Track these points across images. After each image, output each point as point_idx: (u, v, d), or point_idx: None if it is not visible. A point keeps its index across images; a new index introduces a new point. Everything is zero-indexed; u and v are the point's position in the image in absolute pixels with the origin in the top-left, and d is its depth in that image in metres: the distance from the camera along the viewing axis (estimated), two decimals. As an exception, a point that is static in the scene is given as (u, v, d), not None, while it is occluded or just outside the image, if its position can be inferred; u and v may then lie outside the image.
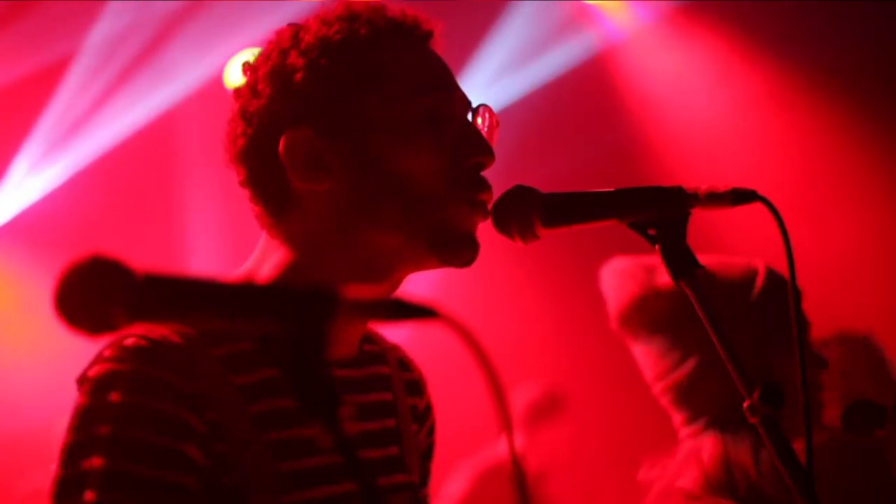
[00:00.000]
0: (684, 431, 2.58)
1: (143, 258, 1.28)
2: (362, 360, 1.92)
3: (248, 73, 1.86)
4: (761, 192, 1.77)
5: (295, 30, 1.84)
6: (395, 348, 2.06)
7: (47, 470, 1.66)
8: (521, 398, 6.40)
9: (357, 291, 1.28)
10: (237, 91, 1.86)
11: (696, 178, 1.85)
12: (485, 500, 5.84)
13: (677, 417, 2.60)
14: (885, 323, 6.54)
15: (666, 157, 6.95)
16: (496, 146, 1.87)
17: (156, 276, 1.22)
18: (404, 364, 2.05)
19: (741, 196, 1.77)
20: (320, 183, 1.79)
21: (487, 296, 7.24)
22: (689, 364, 2.55)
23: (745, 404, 1.71)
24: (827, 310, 6.38)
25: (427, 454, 2.07)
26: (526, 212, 1.80)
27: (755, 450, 2.45)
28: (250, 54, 1.91)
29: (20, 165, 6.32)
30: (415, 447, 1.99)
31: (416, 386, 2.06)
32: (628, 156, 6.96)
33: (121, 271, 1.20)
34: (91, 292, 1.18)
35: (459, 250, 1.80)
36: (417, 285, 1.83)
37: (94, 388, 1.63)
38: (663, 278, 2.57)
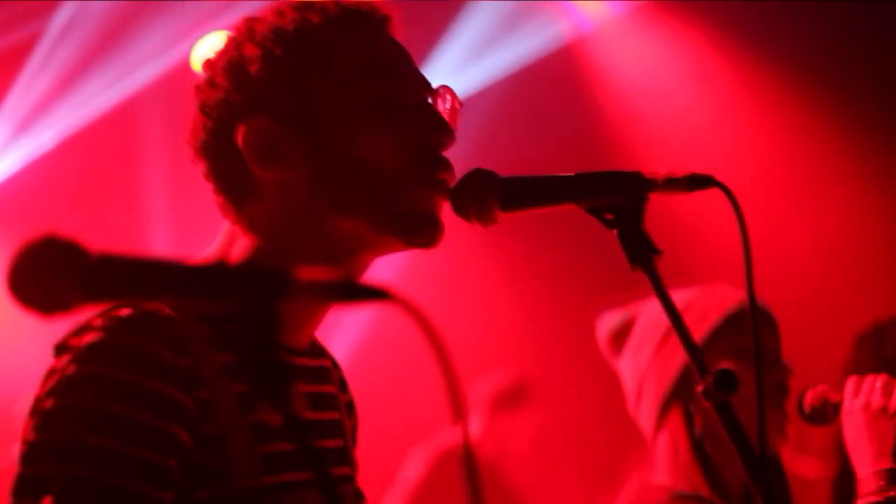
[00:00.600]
0: (648, 430, 2.64)
1: (104, 241, 1.28)
2: (314, 351, 1.93)
3: (207, 67, 1.87)
4: (734, 182, 1.79)
5: (250, 22, 1.85)
6: (324, 347, 2.06)
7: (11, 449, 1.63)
8: (488, 386, 6.42)
9: (312, 272, 1.28)
10: (197, 86, 1.87)
11: (662, 168, 1.85)
12: (440, 484, 5.86)
13: (641, 420, 2.66)
14: (864, 311, 6.60)
15: (635, 147, 6.97)
16: (462, 129, 1.88)
17: (109, 256, 1.22)
18: (335, 362, 2.06)
19: (698, 181, 1.78)
20: (279, 171, 1.80)
21: (456, 284, 7.24)
22: (641, 365, 2.66)
23: (699, 388, 1.72)
24: (807, 301, 6.46)
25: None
26: (484, 195, 1.80)
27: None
28: (217, 38, 1.92)
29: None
30: (352, 442, 2.01)
31: (345, 383, 2.07)
32: (597, 145, 6.98)
33: (74, 250, 1.20)
34: (44, 271, 1.19)
35: (422, 231, 1.81)
36: (386, 272, 1.83)
37: (85, 356, 1.60)
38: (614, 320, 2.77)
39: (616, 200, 1.78)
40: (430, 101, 1.87)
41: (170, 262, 1.28)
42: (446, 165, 1.83)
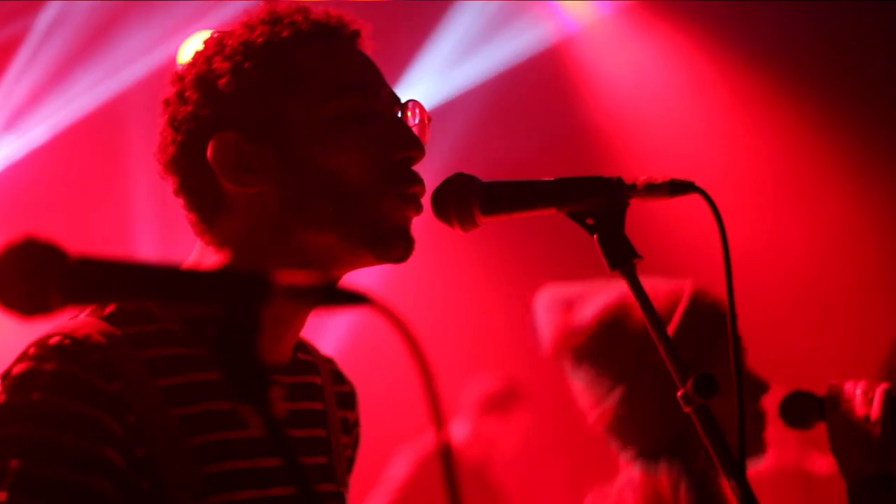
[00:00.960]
0: (621, 459, 2.59)
1: (88, 241, 1.28)
2: (295, 368, 1.92)
3: (177, 81, 1.86)
4: (722, 184, 1.79)
5: (220, 35, 1.85)
6: (329, 360, 2.06)
7: None
8: (475, 389, 6.43)
9: (291, 276, 1.28)
10: (166, 100, 1.87)
11: (648, 170, 1.86)
12: (426, 485, 5.87)
13: (612, 445, 2.61)
14: (849, 314, 6.63)
15: (622, 149, 6.97)
16: (447, 130, 1.88)
17: (88, 258, 1.22)
18: (338, 376, 2.06)
19: (678, 187, 1.79)
20: (250, 186, 1.80)
21: (443, 287, 7.25)
22: (616, 395, 2.55)
23: (679, 393, 1.73)
24: (803, 302, 6.47)
25: (349, 467, 2.07)
26: (465, 199, 1.81)
27: (675, 483, 2.46)
28: (202, 38, 1.91)
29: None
30: (344, 458, 1.99)
31: (348, 399, 2.06)
32: (583, 147, 6.99)
33: (53, 253, 1.21)
34: (23, 273, 1.19)
35: (392, 245, 1.80)
36: (373, 275, 1.82)
37: (14, 385, 1.64)
38: (581, 314, 2.60)
39: (597, 205, 1.79)
40: (399, 115, 1.87)
41: (149, 265, 1.28)
42: (416, 179, 1.82)
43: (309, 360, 1.98)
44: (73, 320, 1.71)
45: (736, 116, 7.01)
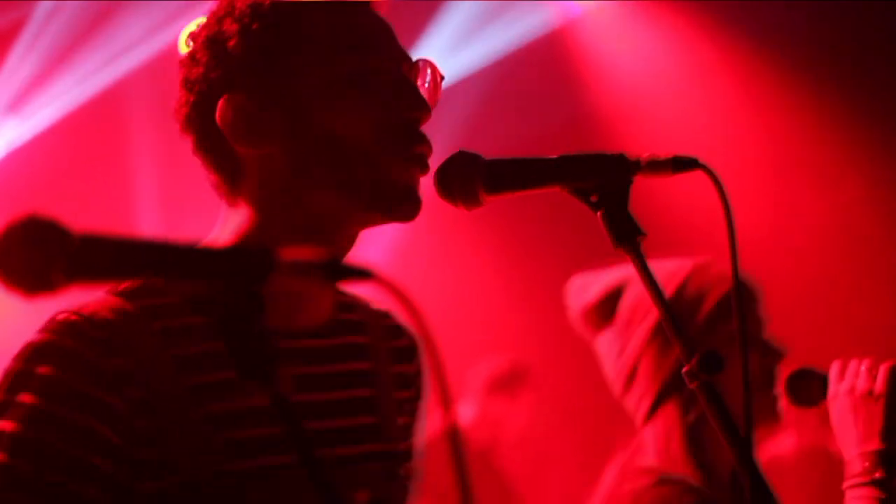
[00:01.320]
0: (639, 415, 2.61)
1: (91, 223, 1.29)
2: (333, 330, 1.91)
3: (190, 41, 1.87)
4: (729, 165, 1.78)
5: None
6: (383, 315, 2.04)
7: None
8: (482, 370, 6.42)
9: (296, 253, 1.28)
10: (181, 60, 1.87)
11: (652, 150, 1.85)
12: (433, 466, 5.87)
13: (631, 403, 2.63)
14: (858, 300, 6.61)
15: (625, 132, 6.96)
16: (450, 115, 1.88)
17: (92, 236, 1.23)
18: (394, 331, 2.04)
19: (682, 163, 1.78)
20: (259, 147, 1.80)
21: (449, 267, 7.25)
22: (634, 349, 2.60)
23: (685, 370, 1.73)
24: (820, 285, 6.45)
25: (415, 419, 2.06)
26: (469, 177, 1.80)
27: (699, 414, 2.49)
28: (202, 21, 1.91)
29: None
30: (396, 415, 1.98)
31: (406, 353, 2.05)
32: (585, 130, 6.97)
33: (57, 230, 1.21)
34: (27, 251, 1.19)
35: (399, 204, 1.81)
36: (380, 253, 1.82)
37: (26, 355, 1.69)
38: (591, 293, 2.69)
39: (600, 182, 1.79)
40: (409, 75, 1.87)
41: (154, 243, 1.28)
42: (422, 140, 1.83)
43: (353, 320, 1.97)
44: (88, 299, 1.74)
45: (740, 101, 6.98)
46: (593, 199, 1.79)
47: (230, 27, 1.81)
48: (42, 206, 1.29)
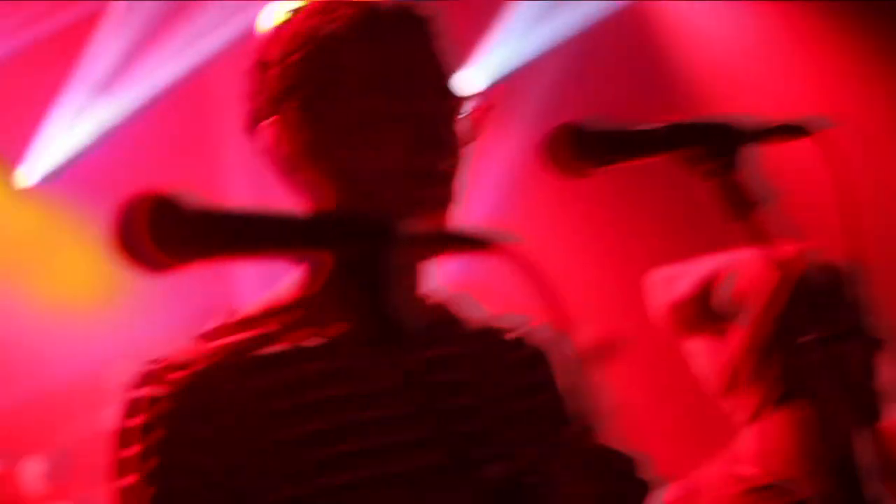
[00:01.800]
0: (741, 416, 2.50)
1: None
2: (429, 338, 1.83)
3: (253, 58, 1.91)
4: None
5: (282, 20, 1.88)
6: (491, 331, 1.98)
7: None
8: (572, 341, 6.37)
9: (410, 223, 1.27)
10: (244, 73, 1.91)
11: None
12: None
13: (731, 404, 2.52)
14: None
15: (713, 100, 6.84)
16: (534, 89, 1.85)
17: (210, 209, 1.23)
18: (510, 344, 2.00)
19: (790, 130, 1.75)
20: (290, 174, 1.86)
21: (539, 239, 7.18)
22: (735, 349, 2.49)
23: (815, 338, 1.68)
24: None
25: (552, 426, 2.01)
26: (579, 148, 1.77)
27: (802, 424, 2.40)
28: (283, 4, 1.92)
29: (64, 112, 6.38)
30: (512, 423, 1.93)
31: (527, 363, 2.02)
32: (672, 99, 6.87)
33: (176, 205, 1.21)
34: (153, 227, 1.20)
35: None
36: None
37: (161, 411, 1.71)
38: (681, 287, 2.56)
39: (710, 150, 1.76)
40: (440, 111, 1.82)
41: (267, 213, 1.29)
42: (430, 184, 1.80)
43: (448, 331, 1.92)
44: (182, 350, 1.76)
45: (840, 70, 6.81)
46: (702, 168, 1.76)
47: (273, 54, 1.85)
48: (138, 183, 1.29)
